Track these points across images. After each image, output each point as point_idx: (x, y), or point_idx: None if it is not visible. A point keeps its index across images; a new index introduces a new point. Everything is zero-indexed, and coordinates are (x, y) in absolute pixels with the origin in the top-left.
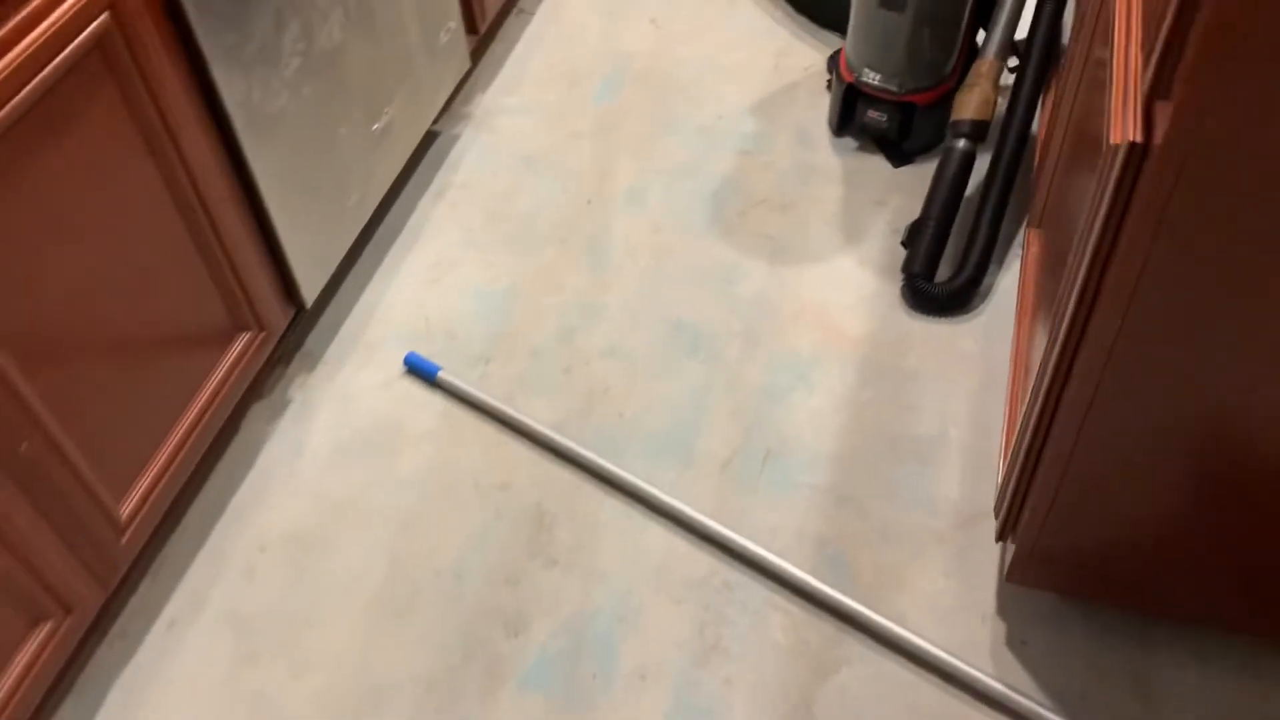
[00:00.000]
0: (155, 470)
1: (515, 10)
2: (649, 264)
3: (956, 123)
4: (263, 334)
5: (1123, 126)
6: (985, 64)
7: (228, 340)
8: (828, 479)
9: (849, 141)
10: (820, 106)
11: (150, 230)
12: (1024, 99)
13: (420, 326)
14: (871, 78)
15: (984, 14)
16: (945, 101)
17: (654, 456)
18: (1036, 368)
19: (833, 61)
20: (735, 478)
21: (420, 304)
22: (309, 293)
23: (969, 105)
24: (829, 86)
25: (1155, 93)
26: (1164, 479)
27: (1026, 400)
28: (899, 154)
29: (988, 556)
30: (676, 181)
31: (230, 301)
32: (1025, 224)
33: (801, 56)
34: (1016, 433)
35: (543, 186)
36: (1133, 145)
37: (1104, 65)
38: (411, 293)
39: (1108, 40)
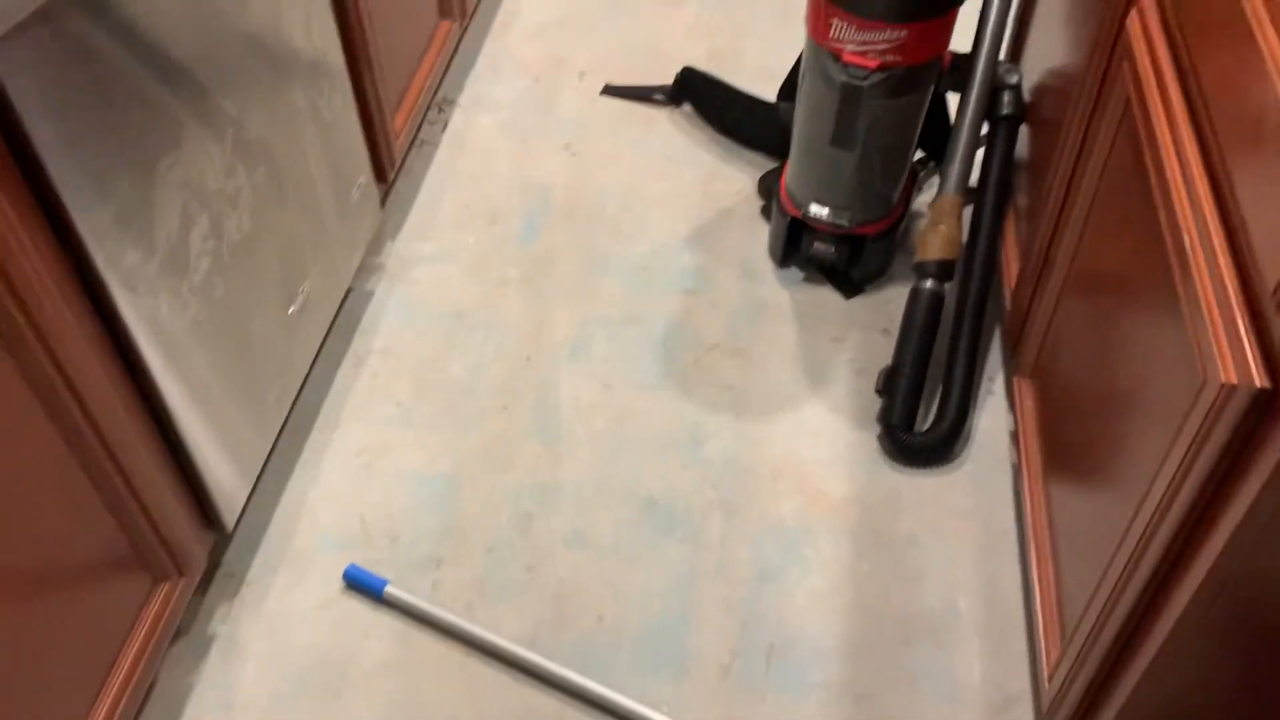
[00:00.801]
0: None
1: (417, 143)
2: (605, 428)
3: (923, 264)
4: (183, 579)
5: (1233, 364)
6: (947, 200)
7: (143, 598)
8: (839, 675)
9: (794, 272)
10: (758, 234)
11: (51, 497)
12: (985, 234)
13: (355, 528)
14: (819, 213)
15: (927, 139)
16: (894, 229)
17: (645, 668)
18: (1065, 538)
19: (764, 185)
20: (740, 684)
21: (352, 500)
22: (229, 515)
23: (934, 245)
24: (763, 212)
25: None
26: (1258, 687)
27: (1091, 609)
28: (849, 284)
29: None
30: (620, 329)
31: (145, 554)
32: (1013, 371)
33: (730, 180)
34: (1078, 640)
35: (475, 345)
36: (1260, 391)
37: (1121, 196)
38: (340, 487)
39: (1156, 201)
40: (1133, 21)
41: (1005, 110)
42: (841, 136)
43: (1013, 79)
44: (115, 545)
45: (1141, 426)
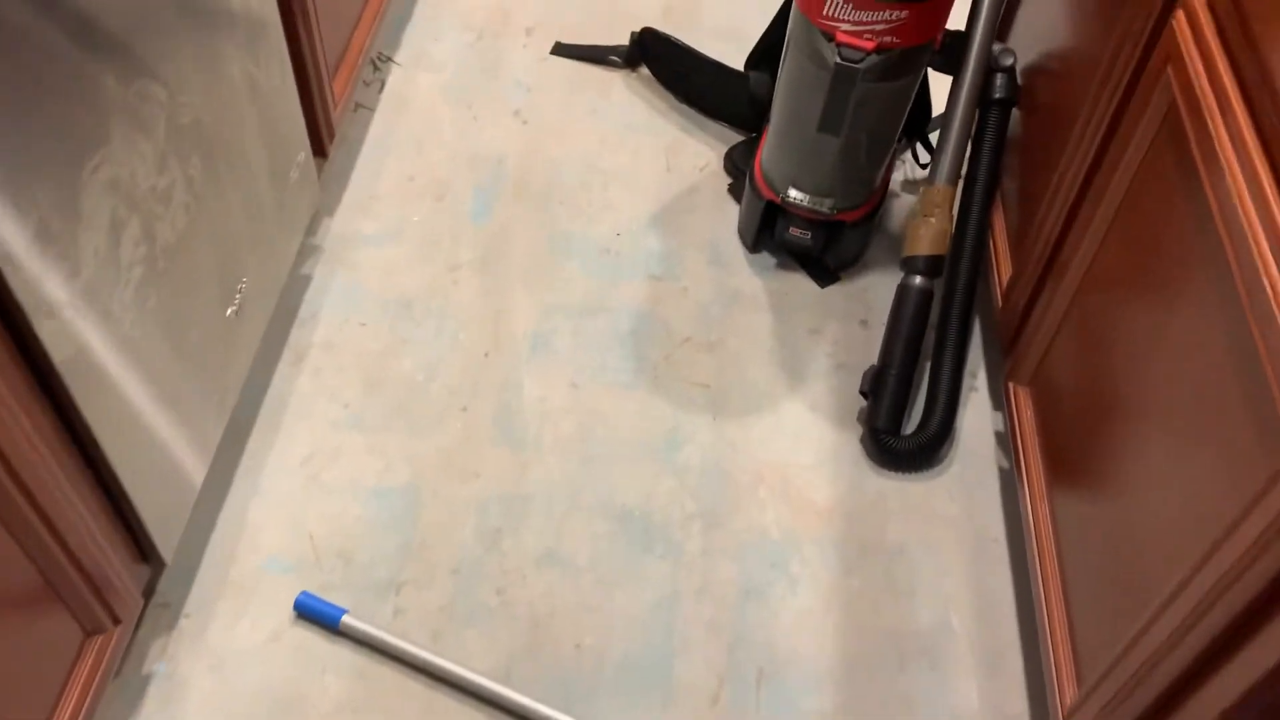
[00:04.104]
0: None
1: (353, 107)
2: (574, 433)
3: (912, 259)
4: (119, 627)
5: None
6: (939, 190)
7: (74, 655)
8: (833, 700)
9: (765, 258)
10: (725, 214)
11: None
12: (974, 228)
13: (304, 549)
14: (798, 198)
15: (912, 124)
16: (874, 214)
17: (629, 698)
18: (1077, 561)
19: (732, 161)
20: (730, 714)
21: (299, 516)
22: (166, 547)
23: (924, 239)
24: (731, 190)
25: None
26: None
27: (1127, 661)
28: (824, 272)
29: None
30: (585, 320)
31: (75, 607)
32: (1006, 376)
33: (694, 154)
34: (1104, 691)
35: (427, 338)
36: None
37: (1162, 210)
38: (285, 501)
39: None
40: (1179, 22)
41: (998, 94)
42: (830, 121)
43: (1007, 61)
44: (40, 599)
45: (1194, 444)
